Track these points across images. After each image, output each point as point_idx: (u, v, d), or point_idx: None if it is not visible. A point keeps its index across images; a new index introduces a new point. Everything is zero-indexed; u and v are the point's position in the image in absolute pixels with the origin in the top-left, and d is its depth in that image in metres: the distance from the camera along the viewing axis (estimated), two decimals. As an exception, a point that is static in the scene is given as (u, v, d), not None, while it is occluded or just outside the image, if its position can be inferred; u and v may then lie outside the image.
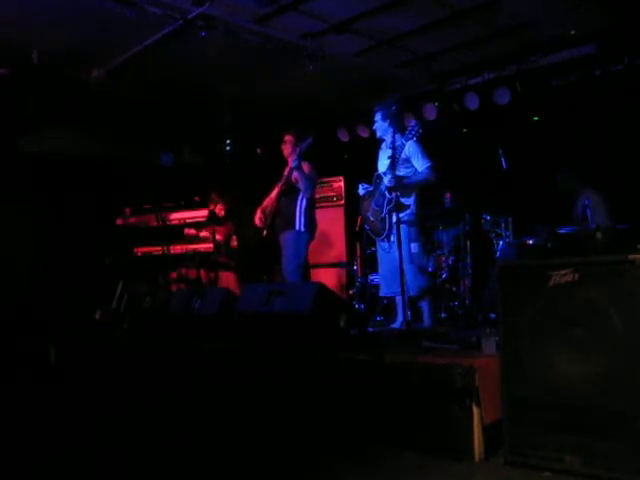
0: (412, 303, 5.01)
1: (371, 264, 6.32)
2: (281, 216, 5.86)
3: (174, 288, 6.81)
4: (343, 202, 8.63)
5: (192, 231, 7.08)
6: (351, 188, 6.26)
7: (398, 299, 5.07)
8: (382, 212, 5.00)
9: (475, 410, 2.92)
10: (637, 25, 5.77)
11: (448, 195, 6.81)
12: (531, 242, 5.15)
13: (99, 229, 7.75)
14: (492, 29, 6.00)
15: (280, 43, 6.17)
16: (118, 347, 5.27)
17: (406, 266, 4.44)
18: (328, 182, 8.72)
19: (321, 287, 4.17)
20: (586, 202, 5.68)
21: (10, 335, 6.09)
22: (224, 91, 7.34)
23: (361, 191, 5.32)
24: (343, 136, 8.43)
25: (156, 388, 4.62)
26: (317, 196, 8.42)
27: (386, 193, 4.93)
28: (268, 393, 3.87)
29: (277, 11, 5.58)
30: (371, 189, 5.21)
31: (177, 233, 7.05)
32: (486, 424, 2.92)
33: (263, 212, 6.04)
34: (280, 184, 5.93)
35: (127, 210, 7.37)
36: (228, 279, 7.24)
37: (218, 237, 7.13)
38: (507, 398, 2.83)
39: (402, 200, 4.77)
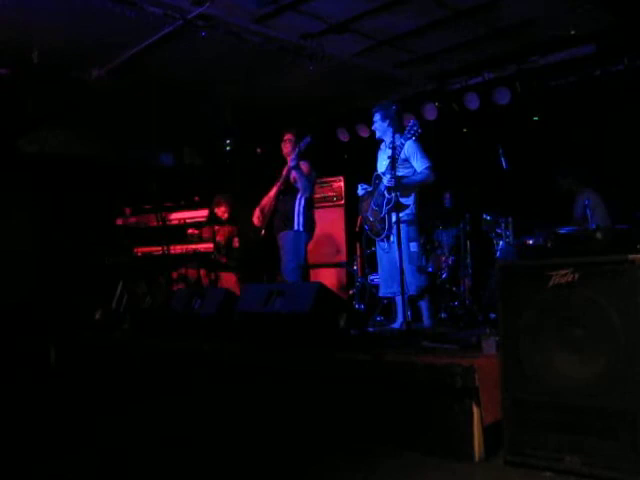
0: (412, 303, 5.01)
1: (371, 264, 6.32)
2: (279, 216, 5.86)
3: (175, 288, 6.81)
4: (343, 202, 8.63)
5: (195, 231, 7.08)
6: (351, 188, 6.26)
7: (398, 299, 5.08)
8: (381, 212, 5.00)
9: (475, 410, 2.92)
10: (637, 25, 5.77)
11: (448, 195, 6.81)
12: (531, 242, 5.14)
13: (99, 229, 7.75)
14: (492, 29, 6.01)
15: (280, 43, 6.17)
16: (118, 347, 5.27)
17: (405, 265, 4.44)
18: (328, 182, 8.72)
19: (321, 287, 4.17)
20: (586, 202, 5.67)
21: (10, 335, 6.09)
22: (224, 91, 7.35)
23: (360, 191, 5.33)
24: (343, 136, 8.44)
25: (156, 388, 4.62)
26: (317, 196, 8.44)
27: (385, 193, 4.94)
28: (268, 393, 3.86)
29: (277, 11, 5.58)
30: (370, 189, 5.22)
31: (177, 233, 7.05)
32: (486, 424, 2.92)
33: (261, 211, 6.04)
34: (279, 183, 5.93)
35: (127, 210, 7.36)
36: (229, 279, 7.23)
37: (219, 238, 7.12)
38: (507, 398, 2.83)
39: (401, 200, 4.77)
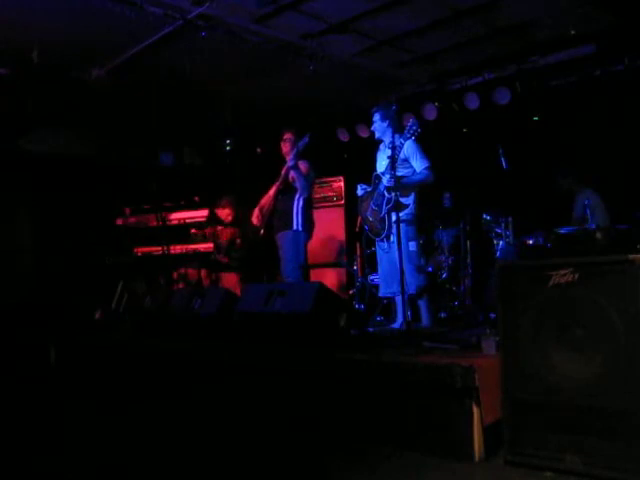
0: (412, 303, 5.01)
1: (371, 264, 6.32)
2: (278, 215, 5.86)
3: (175, 288, 6.81)
4: (343, 202, 8.62)
5: (198, 232, 7.09)
6: (351, 188, 6.26)
7: (398, 299, 5.08)
8: (381, 212, 5.00)
9: (475, 410, 2.92)
10: (637, 25, 5.77)
11: (447, 195, 6.81)
12: (531, 242, 5.14)
13: (99, 229, 7.75)
14: (492, 29, 6.00)
15: (280, 43, 6.17)
16: (118, 347, 5.27)
17: (404, 265, 4.44)
18: (328, 182, 8.72)
19: (321, 287, 4.17)
20: (586, 202, 5.68)
21: (10, 335, 6.09)
22: (224, 91, 7.35)
23: (359, 192, 5.32)
24: (343, 136, 8.44)
25: (156, 388, 4.62)
26: (317, 196, 8.45)
27: (385, 193, 4.94)
28: (268, 393, 3.86)
29: (277, 11, 5.58)
30: (370, 189, 5.22)
31: (177, 233, 7.05)
32: (486, 424, 2.92)
33: (260, 211, 6.04)
34: (277, 183, 5.93)
35: (127, 210, 7.37)
36: (230, 280, 7.23)
37: (222, 239, 7.12)
38: (507, 398, 2.83)
39: (401, 200, 4.77)
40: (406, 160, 5.04)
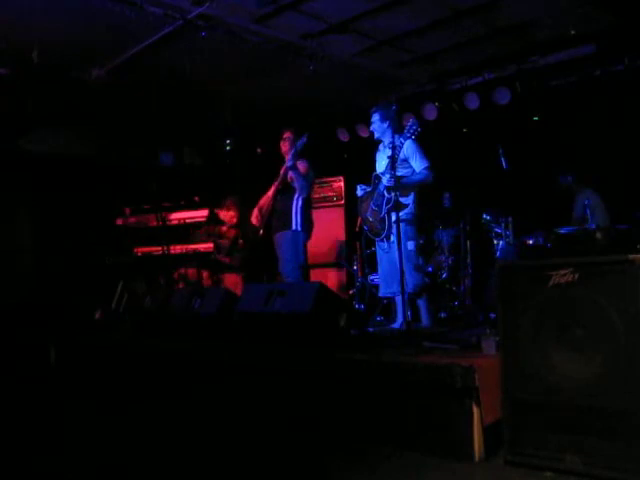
0: (411, 302, 5.01)
1: (371, 264, 6.32)
2: (277, 215, 5.85)
3: (175, 288, 6.81)
4: (343, 202, 8.62)
5: (202, 231, 7.09)
6: (351, 188, 6.26)
7: (398, 299, 5.08)
8: (381, 212, 5.00)
9: (475, 410, 2.92)
10: (637, 25, 5.77)
11: (447, 195, 6.81)
12: (531, 242, 5.15)
13: (99, 229, 7.75)
14: (492, 29, 6.00)
15: (280, 43, 6.17)
16: (118, 347, 5.27)
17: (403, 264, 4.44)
18: (328, 182, 8.72)
19: (321, 287, 4.16)
20: (586, 202, 5.68)
21: (10, 335, 6.09)
22: (224, 91, 7.35)
23: (359, 192, 5.32)
24: (343, 136, 8.44)
25: (156, 388, 4.62)
26: (317, 196, 8.45)
27: (385, 193, 4.94)
28: (268, 393, 3.86)
29: (277, 11, 5.58)
30: (369, 190, 5.21)
31: (177, 233, 7.05)
32: (486, 424, 2.92)
33: (260, 211, 6.03)
34: (276, 183, 5.93)
35: (127, 210, 7.37)
36: (231, 280, 7.23)
37: (226, 240, 7.12)
38: (507, 398, 2.83)
39: (401, 199, 4.76)
40: (406, 160, 5.04)
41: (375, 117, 5.20)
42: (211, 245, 7.02)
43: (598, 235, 4.65)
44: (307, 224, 5.81)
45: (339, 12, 5.66)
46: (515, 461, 2.78)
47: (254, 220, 6.06)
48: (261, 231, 5.98)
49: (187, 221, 7.19)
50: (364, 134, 7.94)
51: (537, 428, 2.72)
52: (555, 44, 6.40)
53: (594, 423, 2.56)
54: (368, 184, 5.25)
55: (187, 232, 7.13)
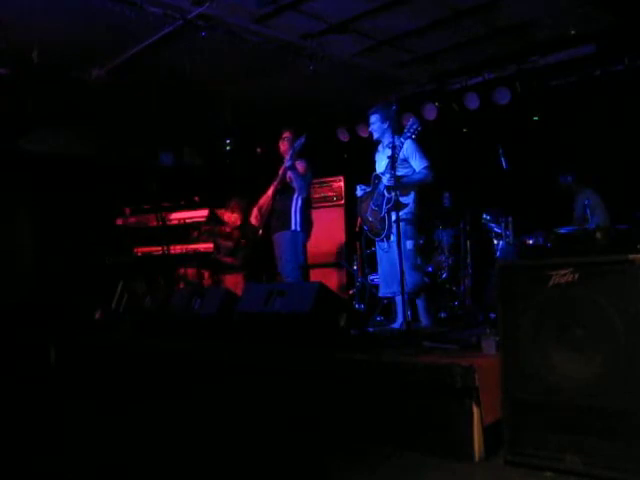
0: (412, 303, 5.01)
1: (371, 264, 6.32)
2: (276, 215, 5.85)
3: (175, 288, 6.81)
4: (343, 202, 8.63)
5: (206, 229, 7.10)
6: (351, 188, 6.26)
7: (398, 299, 5.08)
8: (381, 212, 5.00)
9: (475, 410, 2.92)
10: (637, 25, 5.77)
11: (447, 194, 6.81)
12: (531, 242, 5.15)
13: (99, 229, 7.75)
14: (492, 29, 6.00)
15: (280, 43, 6.17)
16: (118, 347, 5.27)
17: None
18: (328, 182, 8.72)
19: (321, 287, 4.16)
20: (586, 202, 5.69)
21: (10, 335, 6.09)
22: (224, 91, 7.35)
23: (359, 192, 5.32)
24: (343, 136, 8.44)
25: (156, 388, 4.62)
26: (317, 196, 8.45)
27: (385, 192, 4.94)
28: (268, 393, 3.86)
29: (277, 11, 5.58)
30: (369, 190, 5.21)
31: (177, 233, 7.05)
32: (486, 424, 2.92)
33: (259, 211, 6.03)
34: (275, 182, 5.93)
35: (127, 210, 7.37)
36: (232, 280, 7.23)
37: (230, 241, 7.12)
38: (507, 398, 2.83)
39: (401, 199, 4.76)
40: (405, 160, 5.04)
41: (375, 118, 5.20)
42: (211, 245, 7.02)
43: (598, 235, 4.66)
44: (306, 224, 5.80)
45: (339, 12, 5.66)
46: (515, 461, 2.77)
47: (253, 220, 6.06)
48: (260, 231, 5.98)
49: (187, 221, 7.18)
50: (364, 134, 7.94)
51: (537, 428, 2.72)
52: (555, 44, 6.40)
53: (594, 423, 2.56)
54: (368, 184, 5.25)
55: (187, 232, 7.12)
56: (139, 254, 7.15)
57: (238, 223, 7.26)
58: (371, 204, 5.13)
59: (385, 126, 5.14)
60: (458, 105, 7.31)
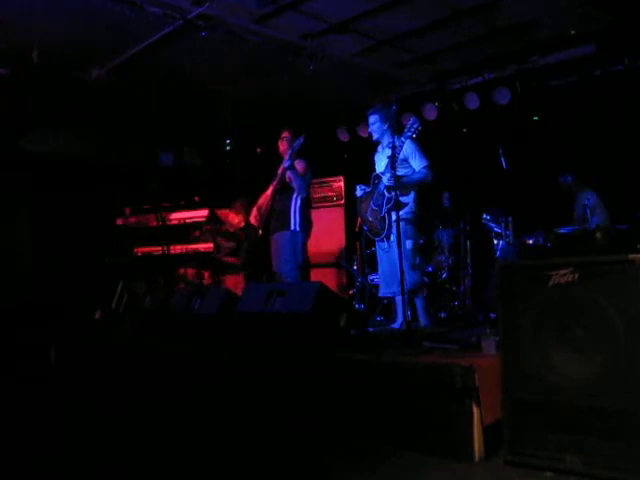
0: (411, 302, 5.01)
1: (371, 264, 6.32)
2: (276, 215, 5.85)
3: (175, 288, 6.81)
4: (343, 202, 8.63)
5: (209, 228, 7.11)
6: (351, 188, 6.27)
7: (398, 299, 5.07)
8: (381, 212, 5.00)
9: (475, 410, 2.92)
10: (637, 25, 5.78)
11: (446, 194, 6.81)
12: (531, 242, 5.15)
13: (99, 229, 7.75)
14: (492, 29, 6.00)
15: (280, 43, 6.17)
16: (118, 347, 5.27)
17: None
18: (328, 182, 8.72)
19: (321, 287, 4.16)
20: (586, 202, 5.69)
21: (10, 335, 6.09)
22: (224, 91, 7.35)
23: (358, 192, 5.32)
24: (343, 136, 8.44)
25: (156, 388, 4.62)
26: (317, 196, 8.46)
27: (385, 192, 4.93)
28: (268, 393, 3.87)
29: (277, 11, 5.58)
30: (369, 190, 5.21)
31: (177, 233, 7.05)
32: (486, 424, 2.92)
33: (258, 211, 6.03)
34: (274, 182, 5.92)
35: (127, 210, 7.37)
36: (233, 280, 7.23)
37: (231, 242, 7.12)
38: (507, 398, 2.83)
39: (401, 199, 4.76)
40: (405, 160, 5.03)
41: (374, 118, 5.19)
42: (211, 245, 7.02)
43: (598, 235, 4.65)
44: (306, 224, 5.80)
45: (339, 12, 5.66)
46: (515, 461, 2.78)
47: (253, 220, 6.05)
48: (260, 231, 5.98)
49: (187, 221, 7.19)
50: (364, 134, 7.93)
51: (537, 428, 2.72)
52: (555, 44, 6.40)
53: (594, 423, 2.56)
54: (367, 184, 5.24)
55: (187, 232, 7.13)
56: (139, 254, 7.15)
57: (242, 225, 7.26)
58: (371, 204, 5.13)
59: (385, 127, 5.13)
60: (458, 105, 7.31)
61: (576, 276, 2.66)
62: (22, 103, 7.05)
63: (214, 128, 8.77)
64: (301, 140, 5.63)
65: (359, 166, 6.19)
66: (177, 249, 6.97)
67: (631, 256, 2.53)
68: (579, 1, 5.45)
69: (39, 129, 8.05)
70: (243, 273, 7.16)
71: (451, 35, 6.12)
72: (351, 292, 7.33)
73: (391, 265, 4.97)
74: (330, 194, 8.74)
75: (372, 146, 5.42)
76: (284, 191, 5.83)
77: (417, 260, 5.19)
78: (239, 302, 4.62)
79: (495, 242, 5.85)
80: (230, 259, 7.10)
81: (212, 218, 7.18)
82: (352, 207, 6.71)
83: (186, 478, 3.02)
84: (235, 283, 7.05)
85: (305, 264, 5.89)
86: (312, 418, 3.60)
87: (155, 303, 5.63)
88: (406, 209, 5.01)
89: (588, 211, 5.58)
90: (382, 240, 5.10)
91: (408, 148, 5.00)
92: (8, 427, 4.11)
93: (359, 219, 5.52)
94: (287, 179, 5.78)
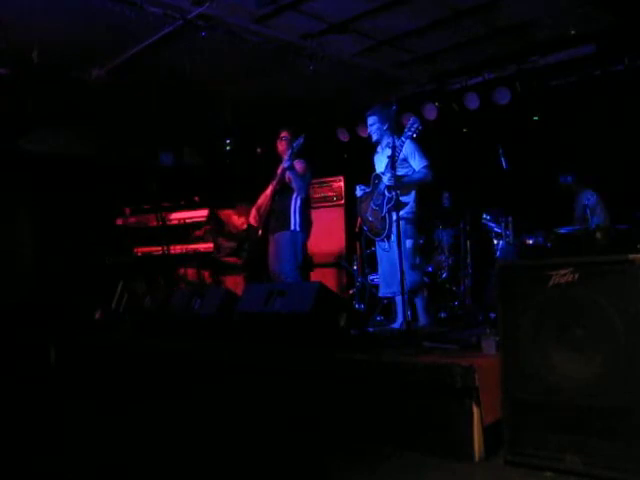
0: (411, 302, 5.01)
1: (371, 264, 6.32)
2: (275, 215, 5.84)
3: (175, 288, 6.82)
4: (343, 202, 8.63)
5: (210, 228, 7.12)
6: (351, 188, 6.27)
7: (398, 299, 5.08)
8: (382, 212, 5.00)
9: (475, 410, 2.92)
10: (637, 25, 5.78)
11: (446, 194, 6.81)
12: (531, 242, 5.15)
13: (99, 229, 7.75)
14: (492, 29, 6.00)
15: (280, 43, 6.17)
16: (118, 347, 5.27)
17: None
18: (328, 182, 8.72)
19: (321, 287, 4.16)
20: (586, 202, 5.69)
21: (10, 335, 6.09)
22: (224, 91, 7.35)
23: (358, 192, 5.32)
24: (343, 136, 8.44)
25: (156, 388, 4.62)
26: (317, 196, 8.45)
27: (385, 192, 4.94)
28: (268, 393, 3.87)
29: (277, 11, 5.58)
30: (369, 190, 5.21)
31: (177, 233, 7.05)
32: (486, 424, 2.92)
33: (258, 211, 6.02)
34: (274, 183, 5.92)
35: (127, 210, 7.37)
36: (233, 281, 7.23)
37: (232, 243, 7.12)
38: (507, 398, 2.83)
39: (401, 198, 4.76)
40: (405, 160, 5.04)
41: (373, 119, 5.18)
42: (211, 245, 7.02)
43: (598, 235, 4.66)
44: (306, 224, 5.79)
45: (339, 12, 5.66)
46: (515, 461, 2.78)
47: (252, 220, 6.05)
48: (260, 231, 5.98)
49: (187, 221, 7.19)
50: (364, 134, 7.92)
51: (537, 428, 2.72)
52: (555, 44, 6.40)
53: (594, 423, 2.56)
54: (367, 184, 5.24)
55: (187, 232, 7.13)
56: (139, 254, 7.15)
57: (245, 227, 7.26)
58: (371, 204, 5.13)
59: (384, 127, 5.13)
60: (458, 105, 7.31)
61: (576, 276, 2.66)
62: (22, 103, 7.04)
63: (214, 128, 8.77)
64: (301, 140, 5.63)
65: (359, 166, 6.19)
66: (177, 249, 6.97)
67: (631, 256, 2.53)
68: (579, 1, 5.45)
69: (39, 129, 8.05)
70: (243, 273, 7.16)
71: (451, 35, 6.12)
72: (351, 292, 7.33)
73: (391, 265, 4.98)
74: (330, 194, 8.74)
75: (372, 146, 5.42)
76: (284, 191, 5.82)
77: (417, 260, 5.19)
78: (239, 302, 4.62)
79: (495, 242, 5.85)
80: (230, 259, 7.10)
81: (212, 218, 7.18)
82: (352, 207, 6.71)
83: (186, 478, 3.02)
84: (235, 283, 7.05)
85: (307, 264, 5.88)
86: (312, 418, 3.60)
87: (155, 303, 5.63)
88: (406, 209, 5.01)
89: (588, 211, 5.58)
90: (382, 240, 5.11)
91: (408, 148, 5.00)
92: (8, 427, 4.11)
93: (359, 219, 5.52)
94: (287, 179, 5.78)
